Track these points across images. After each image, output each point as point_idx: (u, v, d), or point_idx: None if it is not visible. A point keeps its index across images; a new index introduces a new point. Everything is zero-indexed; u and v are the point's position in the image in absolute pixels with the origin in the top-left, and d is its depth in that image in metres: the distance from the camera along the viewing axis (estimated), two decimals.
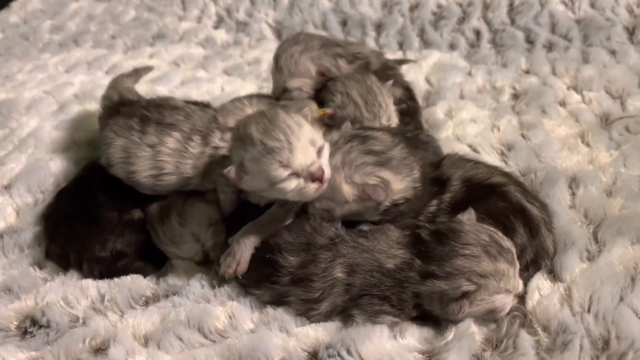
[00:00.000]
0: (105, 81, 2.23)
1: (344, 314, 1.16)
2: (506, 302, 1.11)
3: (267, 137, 1.10)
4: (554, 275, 1.25)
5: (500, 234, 1.14)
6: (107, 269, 1.37)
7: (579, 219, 1.39)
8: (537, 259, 1.26)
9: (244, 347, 1.11)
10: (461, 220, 1.16)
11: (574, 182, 1.52)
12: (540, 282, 1.23)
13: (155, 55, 2.53)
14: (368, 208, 1.21)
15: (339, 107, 1.52)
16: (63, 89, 2.16)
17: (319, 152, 1.14)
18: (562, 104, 1.93)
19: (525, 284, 1.21)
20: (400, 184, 1.21)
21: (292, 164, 1.10)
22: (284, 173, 1.10)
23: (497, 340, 1.12)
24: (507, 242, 1.12)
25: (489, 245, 1.09)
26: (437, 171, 1.31)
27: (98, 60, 2.47)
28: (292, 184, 1.12)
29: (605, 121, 1.81)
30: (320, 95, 1.62)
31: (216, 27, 2.80)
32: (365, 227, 1.23)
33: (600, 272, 1.20)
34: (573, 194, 1.49)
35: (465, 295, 1.08)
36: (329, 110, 1.52)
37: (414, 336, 1.14)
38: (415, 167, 1.25)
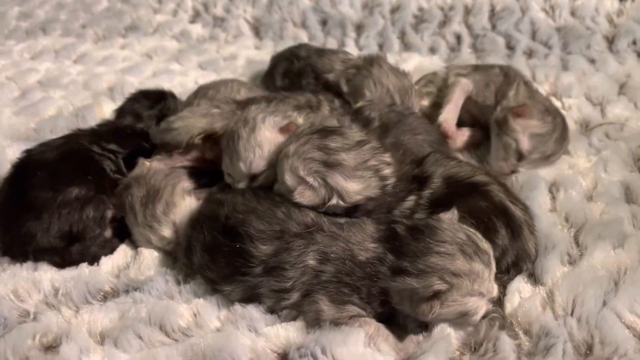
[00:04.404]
0: (72, 69, 2.16)
1: (308, 297, 1.10)
2: (479, 305, 1.06)
3: (232, 142, 1.31)
4: (534, 279, 1.21)
5: (478, 234, 1.09)
6: (61, 259, 1.29)
7: (560, 223, 1.36)
8: (518, 261, 1.21)
9: (209, 346, 1.04)
10: (440, 218, 1.10)
11: (554, 186, 1.49)
12: (521, 285, 1.18)
13: (126, 46, 2.45)
14: (312, 203, 1.17)
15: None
16: (27, 75, 2.06)
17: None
18: None
19: (505, 287, 1.17)
20: (356, 185, 1.17)
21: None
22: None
23: (475, 344, 1.07)
24: (484, 244, 1.07)
25: (465, 244, 1.04)
26: (418, 168, 1.27)
27: (66, 48, 2.37)
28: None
29: (585, 127, 1.79)
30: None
31: (192, 21, 2.73)
32: (341, 220, 1.18)
33: (583, 275, 1.16)
34: (553, 197, 1.46)
35: (437, 295, 1.02)
36: None
37: (389, 340, 1.08)
38: (384, 167, 1.21)
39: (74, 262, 1.29)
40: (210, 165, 1.42)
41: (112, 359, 1.03)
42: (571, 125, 1.79)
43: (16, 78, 2.03)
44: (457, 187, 1.23)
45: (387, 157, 1.23)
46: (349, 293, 1.08)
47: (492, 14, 2.49)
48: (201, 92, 1.64)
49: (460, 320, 1.08)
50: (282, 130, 1.29)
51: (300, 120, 1.35)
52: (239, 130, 1.29)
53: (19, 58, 2.28)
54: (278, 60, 1.93)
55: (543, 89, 2.02)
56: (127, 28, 2.63)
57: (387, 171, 1.22)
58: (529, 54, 2.29)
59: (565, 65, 2.16)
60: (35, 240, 1.29)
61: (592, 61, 2.15)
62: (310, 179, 1.16)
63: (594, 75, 2.04)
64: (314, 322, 1.09)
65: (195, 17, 2.74)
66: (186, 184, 1.37)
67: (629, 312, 1.08)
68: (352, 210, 1.22)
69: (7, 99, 1.90)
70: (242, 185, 1.30)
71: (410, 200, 1.23)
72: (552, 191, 1.48)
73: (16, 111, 1.80)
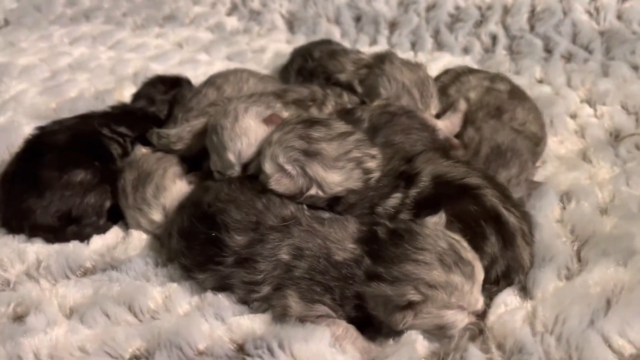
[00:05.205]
0: (105, 55, 2.22)
1: (278, 291, 1.06)
2: (457, 319, 1.00)
3: (216, 136, 1.28)
4: (525, 292, 1.13)
5: (463, 243, 1.02)
6: (55, 237, 1.32)
7: (565, 235, 1.26)
8: (509, 272, 1.13)
9: (168, 330, 1.03)
10: (423, 223, 1.05)
11: (566, 196, 1.39)
12: (509, 298, 1.10)
13: (161, 35, 2.50)
14: (289, 192, 1.15)
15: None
16: (59, 57, 2.14)
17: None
18: (573, 116, 1.79)
19: (492, 299, 1.09)
20: (336, 176, 1.14)
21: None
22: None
23: (444, 354, 1.00)
24: (468, 254, 1.01)
25: (445, 254, 0.98)
26: (407, 165, 1.21)
27: (103, 35, 2.45)
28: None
29: (615, 137, 1.66)
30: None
31: (229, 14, 2.75)
32: (325, 215, 1.15)
33: (572, 291, 1.07)
34: (564, 208, 1.36)
35: (410, 305, 0.97)
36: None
37: (356, 343, 1.03)
38: (367, 159, 1.17)
39: (66, 241, 1.32)
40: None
41: (74, 333, 1.04)
42: (600, 134, 1.67)
43: (49, 60, 2.11)
44: (445, 188, 1.16)
45: (372, 150, 1.19)
46: (320, 292, 1.04)
47: (532, 14, 2.36)
48: (210, 81, 1.64)
49: (437, 332, 1.02)
50: (266, 121, 1.26)
51: (285, 113, 1.33)
52: (221, 122, 1.27)
53: (58, 42, 2.37)
54: (295, 56, 1.91)
55: (577, 94, 1.90)
56: (165, 18, 2.69)
57: (371, 164, 1.18)
58: (568, 58, 2.16)
59: (605, 71, 2.02)
60: (34, 216, 1.33)
61: (635, 68, 2.00)
62: (289, 167, 1.14)
63: (635, 82, 1.89)
64: (281, 317, 1.06)
65: (232, 10, 2.77)
66: (177, 167, 1.37)
67: (618, 335, 0.97)
68: (334, 203, 1.19)
69: (37, 79, 1.98)
70: (235, 173, 1.28)
71: (395, 198, 1.18)
72: (564, 201, 1.38)
73: (40, 91, 1.87)
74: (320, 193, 1.15)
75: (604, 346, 0.95)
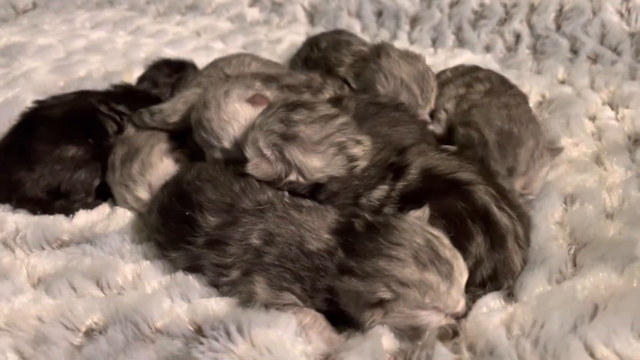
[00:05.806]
0: (121, 40, 2.24)
1: (246, 277, 1.02)
2: (432, 320, 0.93)
3: (204, 132, 1.24)
4: (512, 295, 1.05)
5: (444, 240, 0.96)
6: (42, 212, 1.31)
7: (562, 237, 1.18)
8: (497, 275, 1.06)
9: (127, 306, 1.00)
10: (403, 217, 0.98)
11: (570, 198, 1.30)
12: (493, 301, 1.03)
13: (181, 23, 2.51)
14: (267, 177, 1.11)
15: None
16: (76, 40, 2.17)
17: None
18: (592, 118, 1.69)
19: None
20: (316, 161, 1.09)
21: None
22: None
23: (411, 352, 0.94)
24: (447, 252, 0.94)
25: (421, 251, 0.92)
26: (398, 156, 1.15)
27: (124, 21, 2.48)
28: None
29: (635, 142, 1.56)
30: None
31: (252, 5, 2.73)
32: (305, 203, 1.10)
33: (558, 295, 0.99)
34: (566, 210, 1.27)
35: (381, 303, 0.91)
36: None
37: (323, 333, 0.98)
38: (352, 145, 1.12)
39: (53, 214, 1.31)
40: None
41: (36, 303, 1.03)
42: (618, 137, 1.57)
43: (66, 42, 2.14)
44: (433, 182, 1.10)
45: (359, 136, 1.14)
46: (290, 280, 1.00)
47: (559, 13, 2.25)
48: (213, 64, 1.63)
49: (410, 333, 0.96)
50: (250, 101, 1.22)
51: (266, 91, 1.28)
52: (204, 114, 1.23)
53: (80, 26, 2.41)
54: (304, 45, 1.87)
55: (599, 96, 1.80)
56: (187, 7, 2.69)
57: (356, 150, 1.12)
58: (594, 59, 2.04)
59: (633, 74, 1.90)
60: (24, 189, 1.33)
61: None
62: (267, 152, 1.11)
63: None
64: (246, 304, 1.02)
65: (255, 1, 2.75)
66: (165, 145, 1.35)
67: (603, 345, 0.88)
68: (316, 191, 1.14)
69: (52, 59, 2.01)
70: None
71: (381, 190, 1.12)
72: (567, 203, 1.29)
73: (51, 69, 1.89)
74: (301, 179, 1.11)
75: (584, 354, 0.87)
